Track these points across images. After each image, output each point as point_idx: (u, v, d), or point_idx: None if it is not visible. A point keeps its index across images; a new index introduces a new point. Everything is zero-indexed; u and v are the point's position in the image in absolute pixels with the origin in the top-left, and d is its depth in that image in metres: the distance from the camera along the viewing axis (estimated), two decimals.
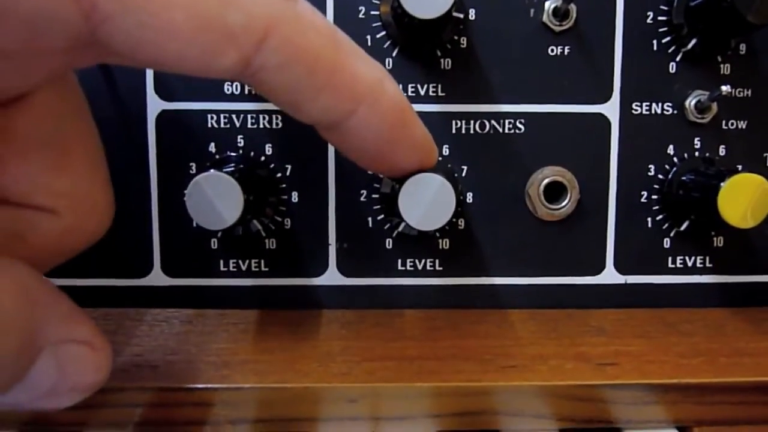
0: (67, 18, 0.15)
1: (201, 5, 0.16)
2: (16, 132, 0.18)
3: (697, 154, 0.28)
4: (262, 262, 0.28)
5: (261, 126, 0.27)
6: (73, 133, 0.20)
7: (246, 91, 0.27)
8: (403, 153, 0.21)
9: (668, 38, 0.28)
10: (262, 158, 0.27)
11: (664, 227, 0.28)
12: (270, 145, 0.27)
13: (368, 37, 0.27)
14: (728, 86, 0.26)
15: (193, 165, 0.27)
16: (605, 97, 0.28)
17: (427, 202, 0.24)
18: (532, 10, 0.27)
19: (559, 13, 0.27)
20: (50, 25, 0.15)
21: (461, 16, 0.25)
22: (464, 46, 0.27)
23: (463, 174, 0.28)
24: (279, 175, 0.27)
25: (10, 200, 0.19)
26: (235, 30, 0.16)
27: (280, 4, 0.17)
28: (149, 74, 0.27)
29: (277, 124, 0.27)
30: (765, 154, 0.28)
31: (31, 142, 0.19)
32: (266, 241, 0.28)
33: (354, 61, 0.19)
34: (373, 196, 0.28)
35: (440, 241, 0.28)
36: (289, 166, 0.27)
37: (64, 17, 0.15)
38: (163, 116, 0.27)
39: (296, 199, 0.28)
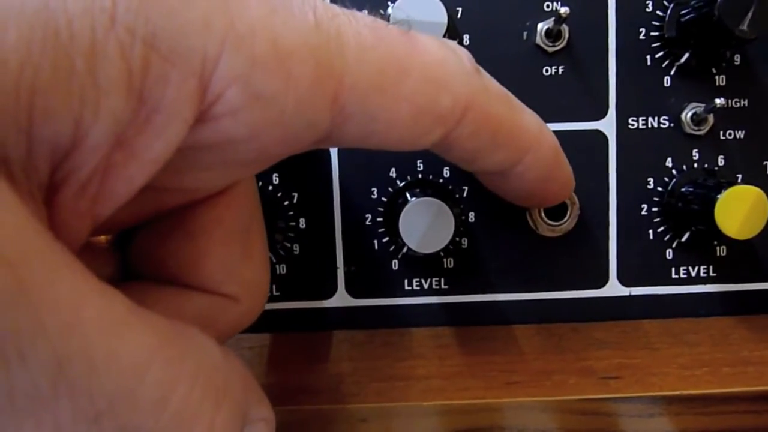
0: (321, 124, 0.16)
1: (421, 95, 0.17)
2: (222, 222, 0.19)
3: (695, 165, 0.28)
4: (274, 287, 0.29)
5: None
6: (257, 221, 0.21)
7: None
8: (555, 188, 0.22)
9: (661, 53, 0.28)
10: (270, 187, 0.28)
11: (666, 239, 0.29)
12: (277, 174, 0.28)
13: None
14: (722, 99, 0.26)
15: None
16: (601, 114, 0.28)
17: (427, 226, 0.25)
18: (525, 33, 0.28)
19: (552, 34, 0.28)
20: (308, 133, 0.16)
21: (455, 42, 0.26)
22: None
23: (465, 194, 0.29)
24: (287, 203, 0.29)
25: (206, 288, 0.19)
26: (444, 112, 0.17)
27: (474, 79, 0.18)
28: None
29: None
30: (765, 162, 0.28)
31: (232, 233, 0.19)
32: (277, 266, 0.29)
33: (522, 115, 0.20)
34: (378, 219, 0.28)
35: (445, 260, 0.29)
36: (295, 194, 0.29)
37: (319, 124, 0.16)
38: None
39: (304, 226, 0.29)
